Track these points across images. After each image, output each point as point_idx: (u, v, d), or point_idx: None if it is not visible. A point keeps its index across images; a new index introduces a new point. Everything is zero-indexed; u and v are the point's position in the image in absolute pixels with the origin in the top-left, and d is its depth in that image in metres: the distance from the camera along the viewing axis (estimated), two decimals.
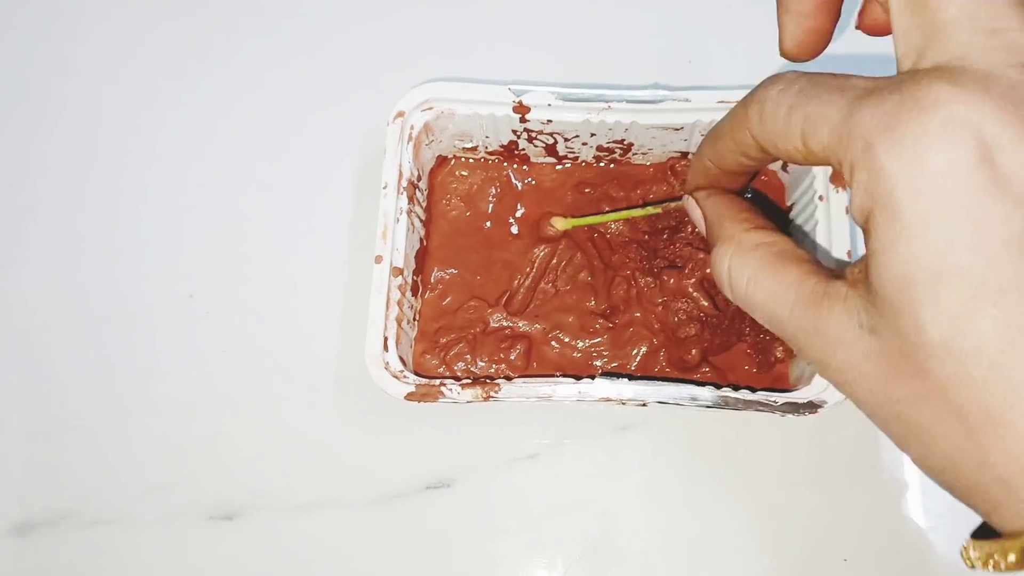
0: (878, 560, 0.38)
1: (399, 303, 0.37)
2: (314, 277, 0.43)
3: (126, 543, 0.40)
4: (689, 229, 0.40)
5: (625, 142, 0.40)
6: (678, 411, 0.38)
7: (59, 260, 0.44)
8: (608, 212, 0.40)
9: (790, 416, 0.35)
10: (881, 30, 0.25)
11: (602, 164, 0.42)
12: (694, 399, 0.34)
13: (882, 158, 0.19)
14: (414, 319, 0.40)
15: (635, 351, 0.39)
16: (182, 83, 0.47)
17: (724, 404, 0.34)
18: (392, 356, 0.36)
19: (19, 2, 0.49)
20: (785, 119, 0.22)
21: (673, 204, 0.36)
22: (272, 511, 0.40)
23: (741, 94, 0.37)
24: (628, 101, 0.38)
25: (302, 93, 0.46)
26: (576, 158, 0.42)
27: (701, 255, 0.39)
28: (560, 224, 0.40)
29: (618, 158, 0.42)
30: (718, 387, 0.35)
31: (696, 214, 0.30)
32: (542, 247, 0.41)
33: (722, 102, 0.38)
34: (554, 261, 0.41)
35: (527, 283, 0.41)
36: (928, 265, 0.19)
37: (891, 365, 0.20)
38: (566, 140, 0.40)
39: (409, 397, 0.35)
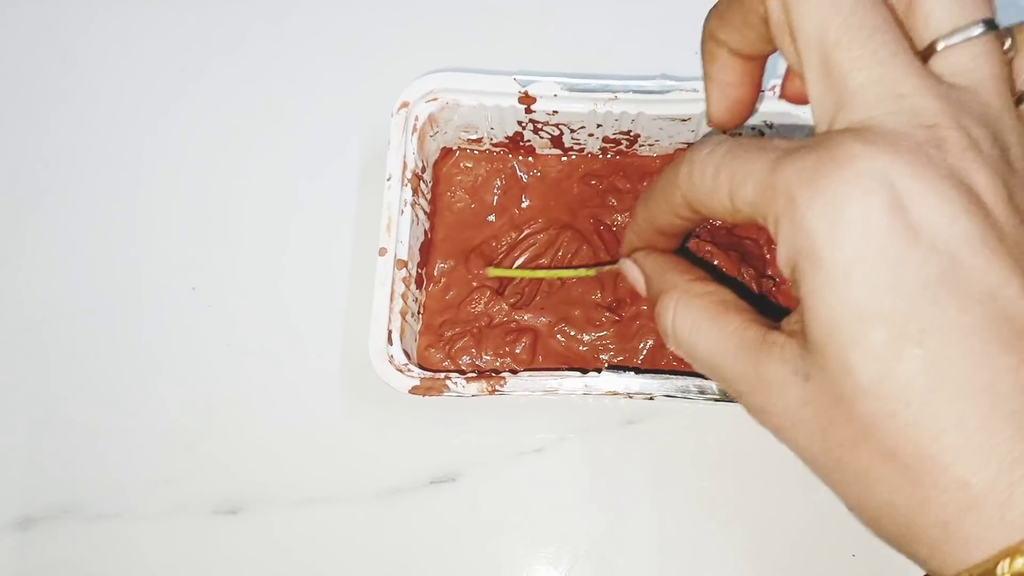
0: (887, 555, 0.37)
1: (403, 296, 0.37)
2: (318, 269, 0.43)
3: (129, 537, 0.40)
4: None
5: (632, 133, 0.40)
6: (685, 405, 0.37)
7: (62, 253, 0.44)
8: (540, 270, 0.40)
9: None
10: (801, 100, 0.27)
11: (608, 155, 0.42)
12: (702, 392, 0.34)
13: (803, 211, 0.20)
14: (419, 312, 0.39)
15: (642, 344, 0.39)
16: (185, 73, 0.46)
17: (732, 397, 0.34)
18: (396, 350, 0.36)
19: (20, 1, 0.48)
20: (713, 178, 0.23)
21: (607, 268, 0.37)
22: (276, 505, 0.40)
23: None
24: (635, 91, 0.37)
25: (305, 84, 0.46)
26: (582, 150, 0.42)
27: (708, 247, 0.39)
28: (491, 272, 0.40)
29: (624, 149, 0.41)
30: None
31: (634, 275, 0.31)
32: (540, 234, 0.41)
33: None
34: (560, 253, 0.41)
35: (518, 256, 0.41)
36: (853, 309, 0.19)
37: (826, 410, 0.21)
38: (572, 131, 0.40)
39: (414, 391, 0.35)
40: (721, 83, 0.28)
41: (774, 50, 0.25)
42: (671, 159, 0.41)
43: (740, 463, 0.39)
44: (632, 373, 0.35)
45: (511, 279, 0.40)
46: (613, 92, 0.38)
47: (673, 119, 0.38)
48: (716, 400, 0.34)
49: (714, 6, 0.27)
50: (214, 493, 0.40)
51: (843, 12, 0.21)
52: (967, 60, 0.22)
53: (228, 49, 0.47)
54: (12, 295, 0.43)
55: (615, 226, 0.41)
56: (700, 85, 0.37)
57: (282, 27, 0.47)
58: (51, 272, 0.44)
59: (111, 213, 0.44)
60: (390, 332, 0.36)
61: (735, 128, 0.30)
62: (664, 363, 0.39)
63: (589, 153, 0.42)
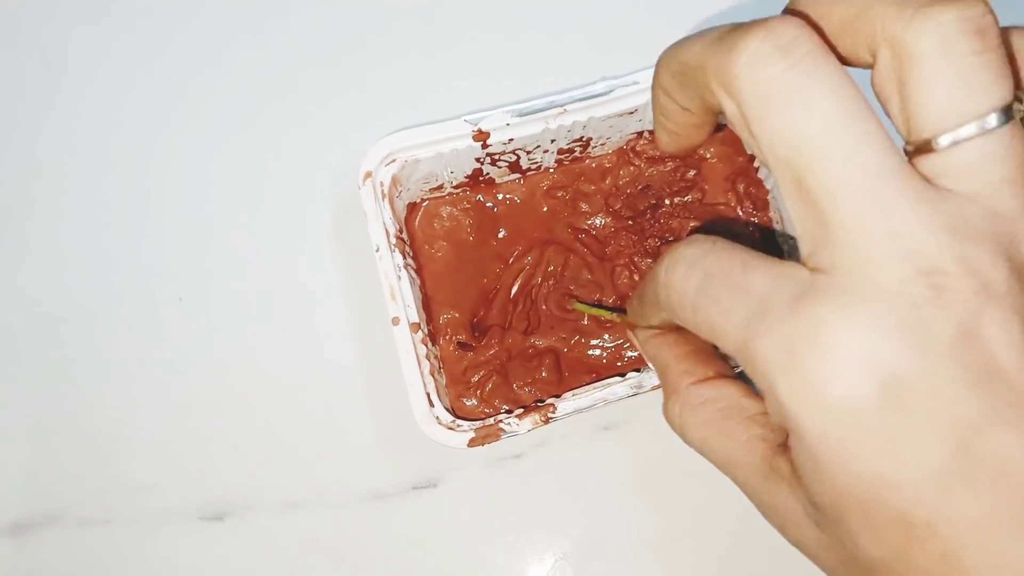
0: None
1: (427, 357, 0.37)
2: (299, 279, 0.44)
3: (119, 543, 0.41)
4: (668, 201, 0.41)
5: (584, 138, 0.41)
6: (658, 410, 0.39)
7: (46, 261, 0.45)
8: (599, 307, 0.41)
9: None
10: None
11: (565, 164, 0.43)
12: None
13: (784, 400, 0.19)
14: (440, 368, 0.40)
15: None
16: (170, 83, 0.47)
17: None
18: (440, 410, 0.36)
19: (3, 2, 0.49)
20: (691, 314, 0.22)
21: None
22: (261, 511, 0.41)
23: None
24: (581, 99, 0.39)
25: (284, 106, 0.47)
26: (539, 167, 0.42)
27: (692, 223, 0.40)
28: (576, 307, 0.40)
29: (579, 155, 0.42)
30: None
31: (639, 348, 0.30)
32: (526, 258, 0.42)
33: None
34: (550, 268, 0.41)
35: (518, 292, 0.41)
36: (855, 500, 0.18)
37: (841, 562, 0.20)
38: (528, 153, 0.41)
39: (472, 444, 0.35)
40: (668, 129, 0.26)
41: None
42: (625, 152, 0.42)
43: (712, 465, 0.40)
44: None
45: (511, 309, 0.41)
46: (561, 106, 0.39)
47: (621, 115, 0.40)
48: None
49: (669, 53, 0.23)
50: (200, 499, 0.41)
51: (815, 132, 0.18)
52: (977, 159, 0.18)
53: (213, 60, 0.48)
54: (1, 303, 0.44)
55: (594, 229, 0.42)
56: (640, 76, 0.39)
57: (266, 35, 0.48)
58: (39, 280, 0.44)
59: (97, 221, 0.45)
60: (428, 395, 0.36)
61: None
62: None
63: (546, 168, 0.43)
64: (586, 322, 0.41)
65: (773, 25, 0.19)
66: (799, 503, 0.21)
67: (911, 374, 0.17)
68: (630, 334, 0.31)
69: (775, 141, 0.19)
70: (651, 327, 0.29)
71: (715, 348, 0.28)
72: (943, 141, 0.18)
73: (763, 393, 0.20)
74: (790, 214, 0.20)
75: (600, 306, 0.41)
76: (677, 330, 0.28)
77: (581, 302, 0.40)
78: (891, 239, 0.18)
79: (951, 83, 0.18)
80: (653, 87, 0.25)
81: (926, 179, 0.19)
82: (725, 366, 0.28)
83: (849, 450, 0.18)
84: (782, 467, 0.22)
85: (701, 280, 0.21)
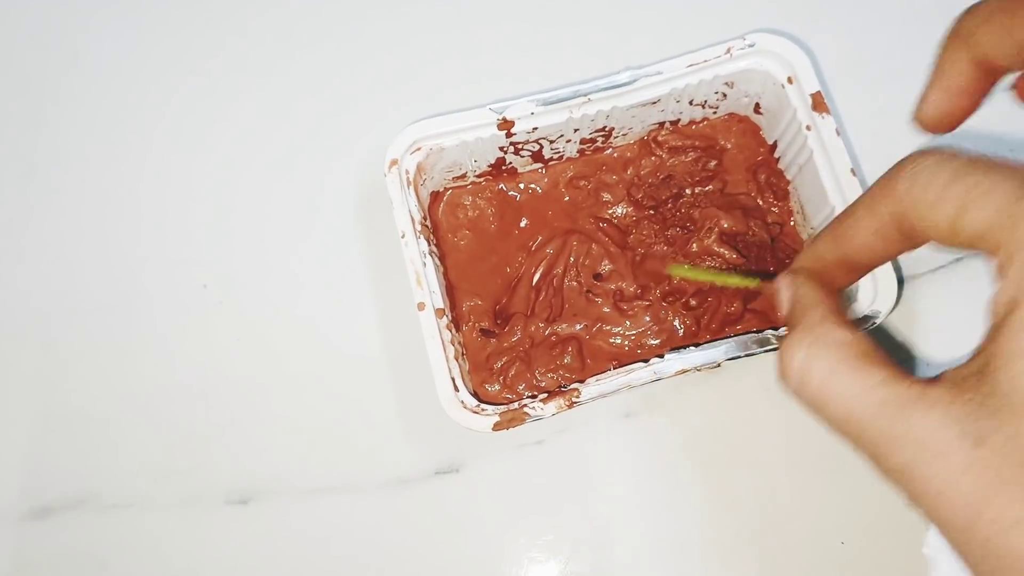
0: (875, 543, 0.39)
1: (451, 342, 0.37)
2: (321, 266, 0.44)
3: (143, 527, 0.41)
4: (689, 191, 0.42)
5: (606, 128, 0.41)
6: (679, 398, 0.40)
7: (76, 250, 0.46)
8: (715, 272, 0.39)
9: None
10: None
11: (586, 154, 0.43)
12: (761, 344, 0.36)
13: None
14: (463, 354, 0.40)
15: (676, 322, 0.41)
16: (195, 76, 0.48)
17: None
18: (464, 394, 0.36)
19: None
20: (942, 187, 0.21)
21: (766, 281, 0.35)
22: (286, 495, 0.41)
23: (707, 52, 0.38)
24: (605, 88, 0.39)
25: (307, 94, 0.48)
26: (561, 157, 0.43)
27: (712, 210, 0.40)
28: (672, 270, 0.40)
29: (600, 145, 0.43)
30: (775, 328, 0.37)
31: (784, 294, 0.28)
32: (548, 247, 0.42)
33: (692, 65, 0.39)
34: (572, 258, 0.42)
35: (540, 280, 0.42)
36: None
37: (995, 480, 0.19)
38: (551, 142, 0.41)
39: (496, 427, 0.35)
40: (948, 87, 0.26)
41: None
42: (647, 142, 0.43)
43: (732, 453, 0.41)
44: (692, 348, 0.36)
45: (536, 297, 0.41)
46: (585, 95, 0.39)
47: (644, 105, 0.40)
48: (775, 349, 0.36)
49: (976, 4, 0.24)
50: (225, 484, 0.41)
51: None
52: None
53: (242, 50, 0.49)
54: (28, 291, 0.45)
55: (616, 219, 0.42)
56: (663, 67, 0.39)
57: (295, 28, 0.49)
58: (70, 269, 0.45)
59: (126, 210, 0.46)
60: (453, 379, 0.36)
61: (941, 135, 0.27)
62: (709, 335, 0.40)
63: (568, 158, 0.43)
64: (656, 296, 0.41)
65: None
66: (956, 425, 0.19)
67: None
68: (783, 277, 0.28)
69: None
70: (817, 264, 0.28)
71: None
72: None
73: (1011, 257, 0.19)
74: None
75: (706, 270, 0.40)
76: (830, 288, 0.28)
77: (680, 266, 0.40)
78: None
79: None
80: (948, 38, 0.25)
81: None
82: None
83: None
84: (934, 393, 0.20)
85: (964, 163, 0.21)
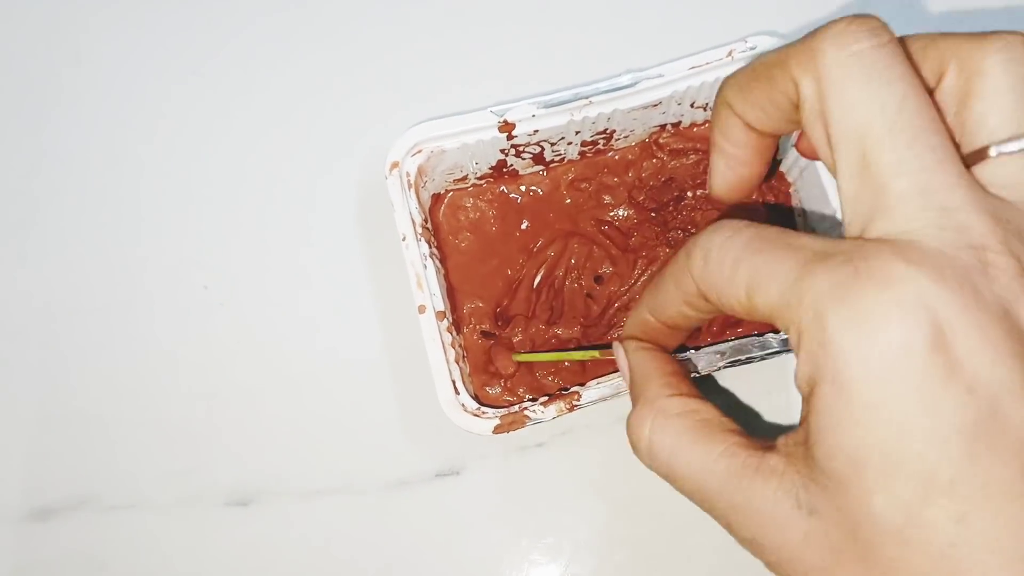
0: None
1: (452, 345, 0.37)
2: (322, 268, 0.45)
3: (143, 528, 0.42)
4: (690, 194, 0.42)
5: (608, 131, 0.41)
6: None
7: (76, 250, 0.46)
8: (555, 352, 0.40)
9: None
10: (815, 156, 0.26)
11: (588, 156, 0.43)
12: (763, 348, 0.36)
13: (832, 331, 0.18)
14: (464, 357, 0.40)
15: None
16: (197, 76, 0.48)
17: (782, 347, 0.36)
18: (465, 397, 0.36)
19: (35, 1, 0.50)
20: (731, 269, 0.22)
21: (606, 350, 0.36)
22: (286, 497, 0.42)
23: (709, 55, 0.38)
24: (606, 91, 0.39)
25: (311, 91, 0.48)
26: (563, 159, 0.43)
27: (714, 213, 0.40)
28: (518, 358, 0.40)
29: (602, 147, 0.43)
30: (776, 332, 0.36)
31: (623, 364, 0.29)
32: (549, 249, 0.42)
33: (694, 67, 0.39)
34: (573, 260, 0.42)
35: (541, 282, 0.42)
36: (880, 450, 0.18)
37: (832, 549, 0.19)
38: (552, 145, 0.41)
39: (497, 431, 0.35)
40: (729, 157, 0.26)
41: (796, 130, 0.24)
42: (648, 145, 0.43)
43: None
44: (692, 351, 0.36)
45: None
46: (586, 97, 0.39)
47: (645, 107, 0.40)
48: (777, 352, 0.36)
49: (734, 74, 0.25)
50: (226, 485, 0.42)
51: (889, 109, 0.19)
52: (1021, 172, 0.20)
53: (243, 51, 0.49)
54: (28, 291, 0.45)
55: (617, 221, 0.42)
56: (665, 69, 0.39)
57: (295, 28, 0.49)
58: (69, 268, 0.45)
59: (126, 210, 0.46)
60: (454, 382, 0.36)
61: (736, 202, 0.27)
62: (711, 338, 0.40)
63: (570, 160, 0.43)
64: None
65: (860, 15, 0.21)
66: (790, 494, 0.20)
67: (961, 327, 0.18)
68: (616, 346, 0.30)
69: (847, 115, 0.20)
70: (643, 332, 0.29)
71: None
72: (992, 152, 0.20)
73: (803, 333, 0.19)
74: (844, 193, 0.21)
75: (548, 351, 0.40)
76: (662, 352, 0.29)
77: (522, 353, 0.40)
78: (945, 214, 0.19)
79: (1010, 99, 0.20)
80: (715, 108, 0.26)
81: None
82: (700, 393, 0.27)
83: (889, 392, 0.18)
84: (770, 462, 0.21)
85: (747, 240, 0.21)
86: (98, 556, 0.41)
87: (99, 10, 0.50)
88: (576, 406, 0.36)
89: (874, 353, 0.18)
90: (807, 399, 0.20)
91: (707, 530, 0.39)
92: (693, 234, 0.40)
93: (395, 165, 0.39)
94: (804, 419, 0.20)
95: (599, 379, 0.36)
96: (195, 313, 0.44)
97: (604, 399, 0.36)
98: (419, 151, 0.39)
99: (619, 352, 0.30)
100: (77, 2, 0.50)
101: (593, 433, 0.41)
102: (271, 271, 0.45)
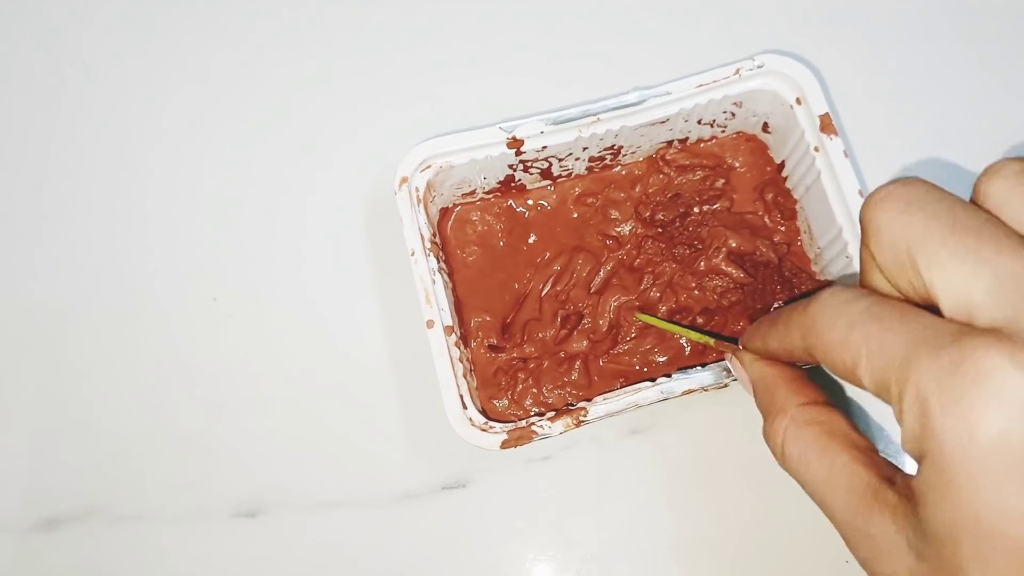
0: None
1: (460, 359, 0.37)
2: (331, 282, 0.45)
3: (151, 539, 0.42)
4: (697, 210, 0.42)
5: (615, 147, 0.42)
6: (686, 415, 0.41)
7: (86, 262, 0.46)
8: (678, 324, 0.40)
9: None
10: None
11: (595, 172, 0.43)
12: None
13: (934, 417, 0.19)
14: (471, 371, 0.40)
15: (683, 340, 0.41)
16: (207, 88, 0.49)
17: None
18: (473, 412, 0.36)
19: (43, 12, 0.51)
20: (844, 331, 0.22)
21: (725, 343, 0.36)
22: (293, 509, 0.42)
23: (716, 73, 0.39)
24: (614, 108, 0.39)
25: (320, 111, 0.48)
26: (570, 174, 0.43)
27: (720, 229, 0.41)
28: (641, 317, 0.40)
29: (609, 163, 0.43)
30: None
31: (742, 376, 0.31)
32: (555, 263, 0.42)
33: (701, 85, 0.40)
34: (575, 275, 0.42)
35: (547, 296, 0.42)
36: (978, 530, 0.19)
37: None
38: (560, 160, 0.41)
39: (504, 445, 0.36)
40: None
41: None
42: (655, 160, 0.43)
43: (739, 471, 0.41)
44: (699, 368, 0.36)
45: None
46: (595, 115, 0.39)
47: (653, 124, 0.40)
48: None
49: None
50: (233, 496, 0.42)
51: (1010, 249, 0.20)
52: None
53: (252, 65, 0.49)
54: (37, 301, 0.46)
55: (623, 236, 0.43)
56: (672, 87, 0.40)
57: (304, 43, 0.50)
58: (76, 279, 0.46)
59: (135, 223, 0.47)
60: (461, 397, 0.36)
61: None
62: (713, 354, 0.40)
63: (577, 175, 0.43)
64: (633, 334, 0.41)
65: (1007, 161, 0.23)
66: (902, 533, 0.21)
67: None
68: (731, 357, 0.32)
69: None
70: (756, 352, 0.30)
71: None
72: None
73: (905, 411, 0.20)
74: (947, 281, 0.21)
75: (672, 322, 0.40)
76: (781, 361, 0.30)
77: (647, 314, 0.40)
78: None
79: None
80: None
81: None
82: (828, 397, 0.28)
83: (988, 480, 0.19)
84: (888, 496, 0.22)
85: (866, 308, 0.22)
86: (105, 566, 0.42)
87: (107, 22, 0.50)
88: (583, 421, 0.36)
89: (973, 442, 0.19)
90: (918, 462, 0.21)
91: (713, 546, 0.40)
92: (699, 249, 0.41)
93: (404, 180, 0.39)
94: (916, 477, 0.21)
95: (606, 395, 0.37)
96: (204, 325, 0.45)
97: (611, 415, 0.36)
98: (428, 166, 0.40)
99: (735, 365, 0.31)
100: (85, 14, 0.51)
101: (600, 447, 0.41)
102: (280, 284, 0.45)
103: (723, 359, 0.38)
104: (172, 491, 0.42)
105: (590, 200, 0.43)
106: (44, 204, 0.47)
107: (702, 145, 0.43)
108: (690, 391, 0.36)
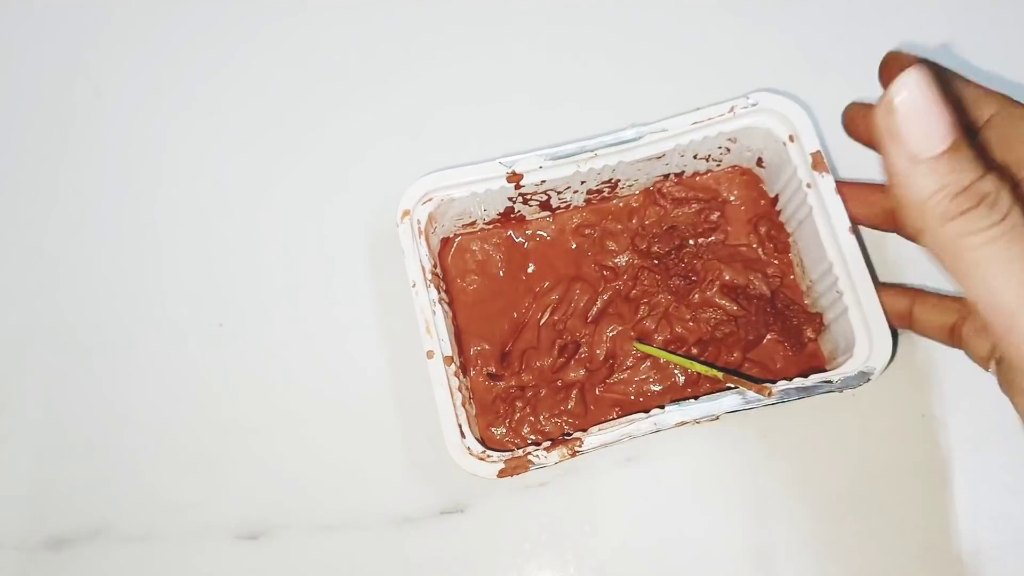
0: None
1: (459, 389, 0.38)
2: (334, 309, 0.46)
3: (157, 559, 0.42)
4: (692, 242, 0.43)
5: (612, 180, 0.43)
6: (680, 445, 0.42)
7: (97, 283, 0.47)
8: (676, 355, 0.41)
9: (847, 391, 0.37)
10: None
11: (593, 203, 0.44)
12: (760, 399, 0.37)
13: None
14: (470, 399, 0.41)
15: (678, 370, 0.42)
16: (214, 117, 0.50)
17: (786, 397, 0.37)
18: (471, 440, 0.37)
19: (57, 36, 0.52)
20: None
21: (735, 378, 0.38)
22: (295, 531, 0.43)
23: (711, 111, 0.40)
24: (611, 144, 0.40)
25: (322, 143, 0.49)
26: (568, 205, 0.44)
27: (714, 262, 0.42)
28: (639, 347, 0.41)
29: (607, 195, 0.44)
30: (773, 382, 0.38)
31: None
32: (553, 292, 0.43)
33: (696, 123, 0.41)
34: (572, 305, 0.43)
35: (545, 325, 0.43)
36: None
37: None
38: (559, 193, 0.42)
39: (501, 475, 0.37)
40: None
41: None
42: (652, 193, 0.44)
43: (732, 499, 0.42)
44: (692, 400, 0.37)
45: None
46: (592, 151, 0.40)
47: (649, 159, 0.41)
48: (775, 403, 0.37)
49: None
50: (236, 518, 0.43)
51: None
52: None
53: (257, 95, 0.50)
54: (46, 326, 0.47)
55: (620, 267, 0.43)
56: (668, 124, 0.41)
57: (310, 77, 0.51)
58: (84, 304, 0.47)
59: (144, 249, 0.48)
60: (460, 426, 0.37)
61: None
62: (708, 384, 0.41)
63: (576, 207, 0.44)
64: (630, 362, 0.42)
65: None
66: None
67: None
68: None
69: None
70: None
71: None
72: None
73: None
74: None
75: (668, 351, 0.41)
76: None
77: (644, 343, 0.41)
78: None
79: None
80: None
81: None
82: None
83: None
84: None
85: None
86: None
87: (119, 46, 0.52)
88: (578, 452, 0.37)
89: None
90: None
91: (709, 571, 0.40)
92: (694, 281, 0.42)
93: (407, 213, 0.40)
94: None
95: (600, 426, 0.38)
96: (210, 349, 0.46)
97: (605, 445, 0.37)
98: (430, 199, 0.41)
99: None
100: (97, 39, 0.52)
101: (595, 474, 0.42)
102: (284, 311, 0.46)
103: (717, 390, 0.39)
104: (177, 512, 0.43)
105: (588, 231, 0.44)
106: (53, 225, 0.48)
107: (698, 178, 0.44)
108: (682, 423, 0.37)
